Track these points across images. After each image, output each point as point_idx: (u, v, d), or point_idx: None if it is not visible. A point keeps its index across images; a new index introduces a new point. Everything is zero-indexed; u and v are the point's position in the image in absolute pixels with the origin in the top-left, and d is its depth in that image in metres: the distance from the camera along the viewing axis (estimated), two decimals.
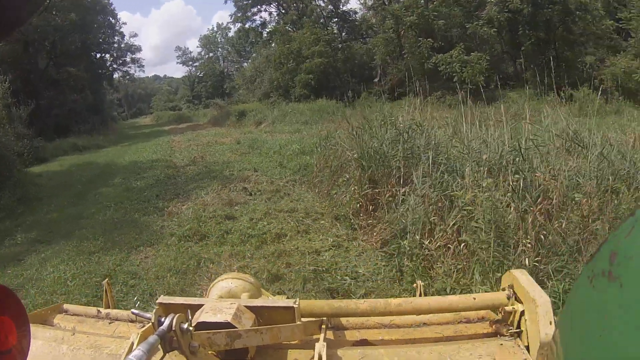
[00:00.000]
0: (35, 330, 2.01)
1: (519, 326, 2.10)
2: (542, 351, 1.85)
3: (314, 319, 2.19)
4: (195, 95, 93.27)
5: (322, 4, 51.39)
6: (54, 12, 45.15)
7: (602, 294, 0.73)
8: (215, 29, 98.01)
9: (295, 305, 2.01)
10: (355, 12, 50.88)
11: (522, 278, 2.15)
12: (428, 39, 33.94)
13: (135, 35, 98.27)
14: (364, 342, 2.20)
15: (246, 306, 2.02)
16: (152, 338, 1.47)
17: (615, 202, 6.21)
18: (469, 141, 8.25)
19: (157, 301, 2.03)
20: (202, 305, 2.00)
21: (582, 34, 32.90)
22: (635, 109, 23.98)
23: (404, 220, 7.09)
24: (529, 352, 1.98)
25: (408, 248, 6.56)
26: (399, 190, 7.84)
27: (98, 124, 48.89)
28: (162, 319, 1.58)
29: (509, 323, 2.17)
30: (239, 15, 61.52)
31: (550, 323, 1.88)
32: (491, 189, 6.33)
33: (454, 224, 6.34)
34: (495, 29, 33.38)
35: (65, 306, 2.69)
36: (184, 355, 1.61)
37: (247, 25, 63.36)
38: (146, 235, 10.60)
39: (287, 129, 29.33)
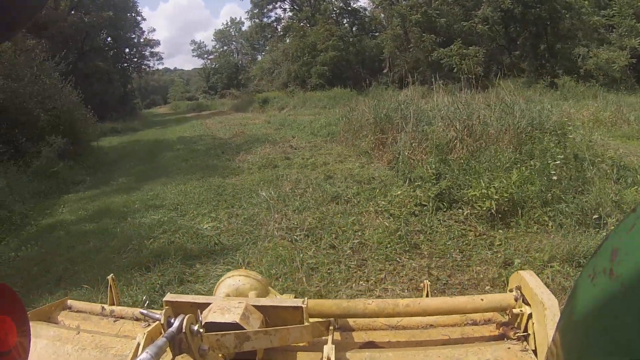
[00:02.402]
0: (39, 328, 2.21)
1: (526, 329, 2.12)
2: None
3: (321, 319, 2.25)
4: (211, 86, 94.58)
5: (334, 1, 54.07)
6: (82, 12, 49.07)
7: (603, 292, 0.75)
8: (229, 23, 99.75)
9: (303, 305, 2.04)
10: (365, 9, 53.26)
11: (530, 280, 2.15)
12: (431, 35, 37.07)
13: (154, 30, 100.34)
14: (371, 344, 2.24)
15: (254, 305, 2.06)
16: (161, 341, 1.48)
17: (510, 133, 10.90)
18: (439, 107, 13.45)
19: (164, 299, 2.10)
20: (210, 304, 2.05)
21: (569, 29, 35.68)
22: (611, 93, 26.69)
23: (399, 148, 11.75)
24: (536, 356, 2.00)
25: (401, 160, 11.07)
26: (397, 135, 12.66)
27: (127, 112, 53.57)
28: (172, 320, 1.58)
29: (516, 326, 2.20)
30: (255, 11, 64.60)
31: None
32: (445, 127, 11.54)
33: (426, 146, 11.09)
34: (489, 26, 36.49)
35: (70, 302, 2.75)
36: (193, 358, 1.62)
37: (262, 21, 66.10)
38: (230, 170, 14.76)
39: (307, 112, 31.99)
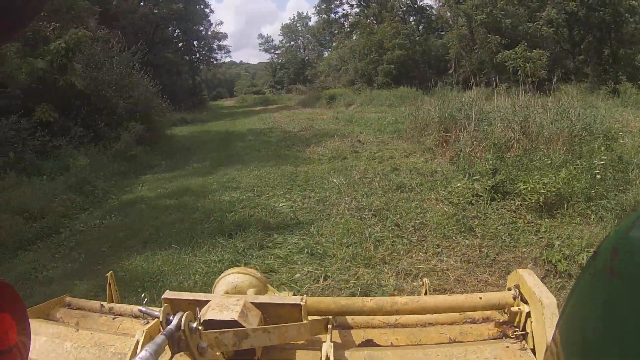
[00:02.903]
0: (38, 325, 2.17)
1: (524, 328, 2.12)
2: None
3: (320, 317, 2.21)
4: (278, 80, 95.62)
5: None
6: (152, 4, 50.97)
7: (604, 290, 0.76)
8: (296, 18, 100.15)
9: (302, 303, 2.04)
10: (431, 7, 53.27)
11: (528, 278, 2.15)
12: (496, 36, 37.14)
13: (221, 23, 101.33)
14: (369, 343, 2.24)
15: (252, 303, 2.04)
16: (160, 339, 1.47)
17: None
18: (499, 109, 14.52)
19: (162, 296, 2.05)
20: (209, 301, 2.02)
21: (633, 34, 35.59)
22: None
23: (461, 145, 12.77)
24: (534, 354, 1.99)
25: (462, 157, 12.12)
26: (460, 134, 13.68)
27: (196, 103, 54.95)
28: (170, 317, 1.59)
29: (514, 324, 2.18)
30: (322, 7, 64.72)
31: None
32: (503, 128, 12.56)
33: (485, 144, 12.11)
34: (554, 29, 36.50)
35: (68, 299, 2.74)
36: (192, 356, 1.62)
37: (329, 17, 66.12)
38: (301, 159, 15.99)
39: (374, 110, 32.14)
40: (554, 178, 9.05)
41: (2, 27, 0.90)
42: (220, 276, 2.44)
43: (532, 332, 2.05)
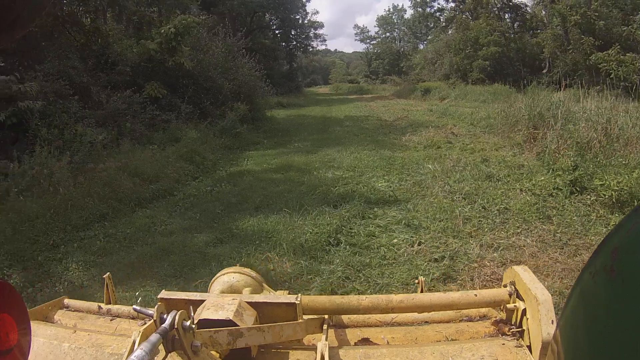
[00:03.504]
0: (36, 327, 2.12)
1: (520, 325, 2.15)
2: (544, 351, 1.90)
3: (315, 316, 2.23)
4: (372, 70, 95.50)
5: None
6: None
7: (604, 290, 0.78)
8: (391, 10, 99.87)
9: (297, 302, 2.07)
10: (526, 5, 52.40)
11: (524, 275, 2.18)
12: (590, 37, 36.51)
13: (317, 12, 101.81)
14: (365, 341, 2.25)
15: (248, 302, 2.08)
16: (154, 337, 1.49)
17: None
18: (584, 110, 15.45)
19: (158, 296, 2.11)
20: (204, 300, 2.06)
21: None
22: None
23: (547, 143, 13.71)
24: (530, 351, 2.02)
25: (547, 153, 12.96)
26: (547, 132, 14.62)
27: (292, 88, 56.33)
28: (164, 316, 1.59)
29: (510, 322, 2.23)
30: (418, 0, 65.63)
31: (552, 322, 1.92)
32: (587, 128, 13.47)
33: (569, 143, 12.95)
34: None
35: (66, 301, 2.76)
36: (186, 354, 1.60)
37: (425, 11, 66.76)
38: (397, 146, 17.30)
39: (468, 105, 32.26)
40: (627, 177, 9.65)
41: (2, 27, 0.93)
42: (216, 276, 2.49)
43: (528, 328, 2.09)
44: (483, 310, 2.46)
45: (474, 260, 7.28)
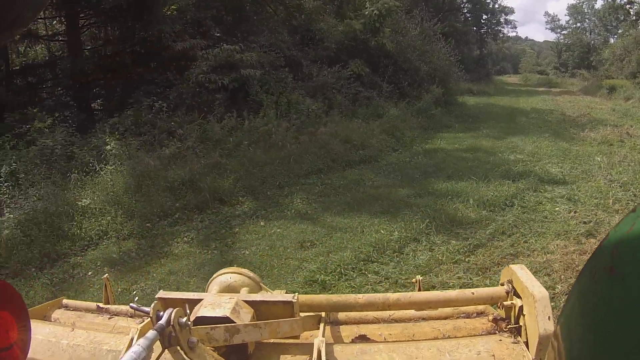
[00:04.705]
0: (34, 325, 1.98)
1: (517, 322, 2.17)
2: (540, 347, 1.93)
3: (312, 313, 2.26)
4: (562, 63, 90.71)
5: None
6: None
7: (604, 289, 0.76)
8: None
9: (294, 300, 2.09)
10: None
11: (520, 273, 2.22)
12: None
13: None
14: (362, 338, 2.25)
15: (245, 301, 2.09)
16: (151, 333, 1.52)
17: None
18: None
19: (156, 296, 2.11)
20: (201, 299, 2.07)
21: None
22: None
23: None
24: (527, 348, 2.04)
25: None
26: None
27: (482, 75, 55.59)
28: (161, 314, 1.62)
29: (508, 319, 2.25)
30: None
31: (549, 318, 1.95)
32: None
33: None
34: None
35: (65, 301, 2.78)
36: (183, 350, 1.64)
37: (615, 2, 64.02)
38: (575, 140, 18.02)
39: None
40: None
41: (2, 26, 0.95)
42: (213, 276, 2.52)
43: (524, 325, 2.10)
44: (480, 307, 2.49)
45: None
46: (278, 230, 9.23)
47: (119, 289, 7.04)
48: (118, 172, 11.10)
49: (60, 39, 19.87)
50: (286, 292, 2.48)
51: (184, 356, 1.65)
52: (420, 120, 20.81)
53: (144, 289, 7.19)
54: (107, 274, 2.93)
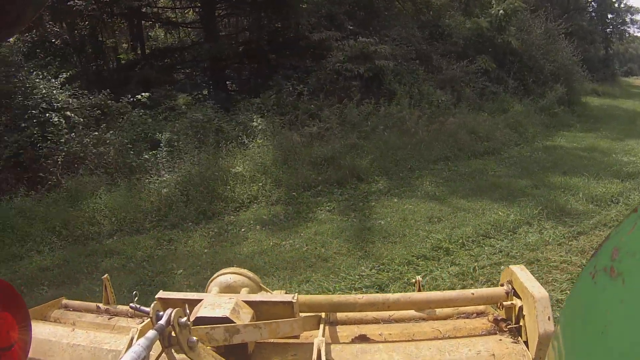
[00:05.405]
0: (34, 325, 1.99)
1: (517, 322, 2.20)
2: (540, 347, 1.94)
3: (312, 313, 2.27)
4: None
5: None
6: None
7: (604, 290, 0.77)
8: None
9: (293, 300, 2.09)
10: None
11: (520, 274, 2.23)
12: None
13: None
14: (362, 338, 2.25)
15: (245, 301, 2.10)
16: (151, 333, 1.51)
17: None
18: None
19: (155, 296, 2.12)
20: (201, 300, 2.08)
21: None
22: None
23: None
24: (527, 347, 2.06)
25: None
26: None
27: (607, 76, 52.39)
28: (161, 314, 1.61)
29: (507, 319, 2.27)
30: None
31: (549, 319, 1.96)
32: None
33: None
34: None
35: (65, 302, 2.78)
36: (183, 350, 1.64)
37: None
38: None
39: None
40: None
41: (2, 26, 0.97)
42: (213, 277, 2.51)
43: (524, 325, 2.14)
44: (480, 307, 2.49)
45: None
46: (409, 206, 10.09)
47: (271, 244, 8.37)
48: (265, 146, 12.40)
49: (196, 26, 22.08)
50: (286, 293, 2.55)
51: (184, 356, 1.69)
52: (543, 118, 20.88)
53: (293, 244, 8.33)
54: (106, 274, 2.87)
